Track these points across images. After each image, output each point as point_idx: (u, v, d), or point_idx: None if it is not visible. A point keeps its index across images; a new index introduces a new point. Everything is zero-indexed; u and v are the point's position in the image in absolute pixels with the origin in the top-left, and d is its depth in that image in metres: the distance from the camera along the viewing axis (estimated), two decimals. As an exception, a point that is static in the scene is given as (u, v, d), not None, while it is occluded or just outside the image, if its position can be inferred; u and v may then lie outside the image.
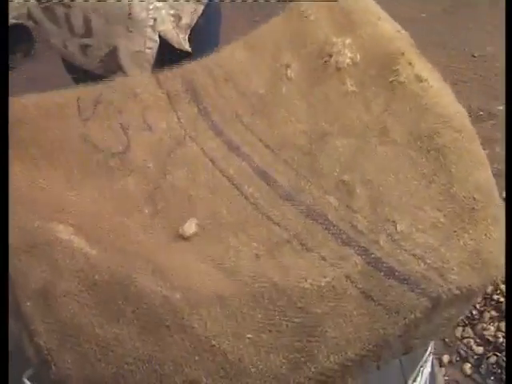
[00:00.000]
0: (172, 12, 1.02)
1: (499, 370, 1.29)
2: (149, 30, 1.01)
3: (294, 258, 0.67)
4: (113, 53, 1.02)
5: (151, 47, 1.01)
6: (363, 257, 0.65)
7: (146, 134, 0.80)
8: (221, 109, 0.84)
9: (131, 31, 0.99)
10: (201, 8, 1.08)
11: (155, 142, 0.79)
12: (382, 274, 0.63)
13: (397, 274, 0.63)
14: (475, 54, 2.34)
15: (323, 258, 0.66)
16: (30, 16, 1.02)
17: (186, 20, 1.06)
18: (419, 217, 0.69)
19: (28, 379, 0.64)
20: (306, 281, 0.63)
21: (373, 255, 0.65)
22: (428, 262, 0.64)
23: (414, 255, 0.65)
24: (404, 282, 0.62)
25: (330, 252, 0.67)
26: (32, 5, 1.00)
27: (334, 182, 0.74)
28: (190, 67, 0.88)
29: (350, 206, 0.71)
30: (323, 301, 0.61)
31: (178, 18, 1.03)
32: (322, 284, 0.62)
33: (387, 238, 0.67)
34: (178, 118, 0.83)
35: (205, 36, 1.10)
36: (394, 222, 0.68)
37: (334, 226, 0.70)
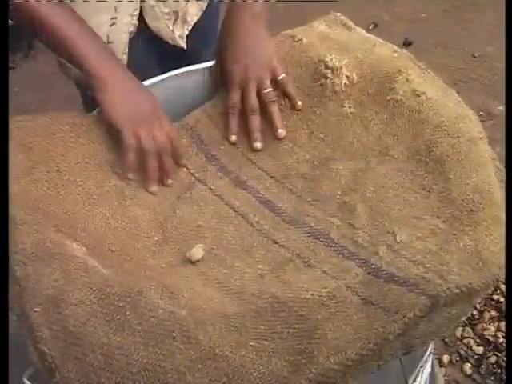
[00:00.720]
0: (166, 10, 1.01)
1: (499, 370, 1.29)
2: (127, 36, 1.00)
3: (297, 275, 0.69)
4: None
5: (126, 52, 1.01)
6: (364, 268, 0.67)
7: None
8: (227, 151, 0.88)
9: (111, 42, 0.98)
10: (204, 5, 1.08)
11: (166, 188, 0.84)
12: (382, 280, 0.65)
13: (396, 278, 0.64)
14: (475, 54, 2.34)
15: (325, 272, 0.68)
16: None
17: (187, 17, 1.05)
18: (418, 226, 0.70)
19: (28, 379, 0.64)
20: (307, 292, 0.64)
21: (373, 266, 0.67)
22: (427, 265, 0.65)
23: (413, 261, 0.66)
24: (403, 285, 0.63)
25: (331, 266, 0.69)
26: None
27: (337, 204, 0.77)
28: (193, 117, 0.91)
29: (351, 224, 0.73)
30: (323, 308, 0.62)
31: (174, 15, 1.03)
32: (323, 294, 0.64)
33: (387, 249, 0.68)
34: (188, 169, 0.87)
35: (205, 33, 1.10)
36: (393, 233, 0.70)
37: (335, 243, 0.72)
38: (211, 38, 1.12)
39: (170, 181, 0.84)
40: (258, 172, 0.85)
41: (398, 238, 0.69)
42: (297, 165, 0.85)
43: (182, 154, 0.87)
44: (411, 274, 0.64)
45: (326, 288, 0.65)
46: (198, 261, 0.74)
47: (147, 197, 0.82)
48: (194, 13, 1.06)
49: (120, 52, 0.99)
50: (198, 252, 0.74)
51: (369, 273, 0.66)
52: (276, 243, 0.75)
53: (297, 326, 0.61)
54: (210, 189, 0.84)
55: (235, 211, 0.80)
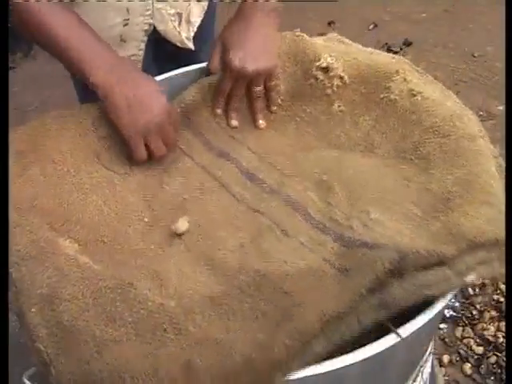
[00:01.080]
0: (172, 12, 1.01)
1: (499, 370, 1.29)
2: (142, 34, 1.00)
3: (275, 244, 0.72)
4: None
5: (143, 48, 1.01)
6: (339, 242, 0.70)
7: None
8: (214, 130, 0.91)
9: (125, 40, 0.99)
10: (206, 5, 1.08)
11: (154, 163, 0.85)
12: (356, 248, 0.67)
13: (369, 245, 0.67)
14: (475, 54, 2.34)
15: (302, 244, 0.71)
16: None
17: (191, 18, 1.05)
18: (393, 209, 0.73)
19: (28, 379, 0.64)
20: (286, 264, 0.68)
21: (347, 239, 0.70)
22: (398, 239, 0.67)
23: (384, 235, 0.68)
24: (374, 248, 0.66)
25: (308, 239, 0.72)
26: None
27: (315, 181, 0.80)
28: (189, 95, 0.91)
29: (328, 201, 0.76)
30: (302, 281, 0.65)
31: (179, 16, 1.03)
32: (302, 266, 0.67)
33: (360, 224, 0.71)
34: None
35: (202, 34, 1.10)
36: (368, 212, 0.72)
37: (312, 217, 0.75)
38: (208, 38, 1.12)
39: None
40: (240, 147, 0.88)
41: (372, 215, 0.72)
42: (280, 147, 0.88)
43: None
44: (382, 240, 0.66)
45: (303, 260, 0.68)
46: (184, 233, 0.76)
47: (136, 179, 0.83)
48: (197, 13, 1.07)
49: (135, 48, 1.00)
50: (183, 224, 0.76)
51: (344, 245, 0.69)
52: (256, 211, 0.78)
53: (279, 303, 0.63)
54: (194, 161, 0.87)
55: (218, 182, 0.83)
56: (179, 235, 0.76)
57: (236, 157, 0.86)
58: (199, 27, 1.08)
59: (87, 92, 0.85)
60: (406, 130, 0.81)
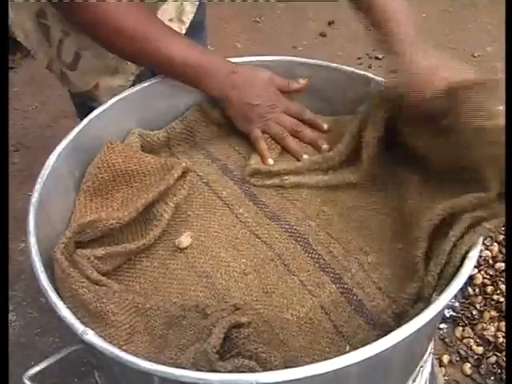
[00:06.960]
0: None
1: (499, 370, 1.29)
2: (134, 67, 1.01)
3: (277, 282, 0.73)
4: (90, 91, 1.02)
5: (131, 80, 1.02)
6: (337, 285, 0.72)
7: None
8: (215, 143, 0.93)
9: (118, 72, 1.00)
10: (197, 1, 1.09)
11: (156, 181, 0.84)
12: (353, 307, 0.70)
13: (365, 311, 0.69)
14: (475, 54, 2.34)
15: (302, 283, 0.73)
16: (22, 28, 1.03)
17: (182, 17, 1.06)
18: (386, 250, 0.76)
19: (28, 379, 0.64)
20: (287, 311, 0.69)
21: (346, 286, 0.72)
22: (392, 295, 0.70)
23: (379, 288, 0.71)
24: (370, 323, 0.68)
25: (308, 277, 0.73)
26: (26, 18, 0.99)
27: (316, 210, 0.82)
28: (191, 114, 0.93)
29: (328, 233, 0.79)
30: (301, 334, 0.67)
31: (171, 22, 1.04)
32: (301, 315, 0.69)
33: (359, 267, 0.74)
34: (178, 159, 0.90)
35: (194, 29, 1.10)
36: (365, 252, 0.76)
37: (313, 249, 0.77)
38: (199, 33, 1.12)
39: (324, 146, 0.89)
40: (243, 162, 0.89)
41: (368, 258, 0.75)
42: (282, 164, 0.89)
43: (319, 121, 0.91)
44: (378, 311, 0.68)
45: (303, 307, 0.69)
46: (186, 248, 0.77)
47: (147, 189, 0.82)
48: (189, 11, 1.07)
49: (124, 80, 1.01)
50: (186, 240, 0.77)
51: (341, 292, 0.71)
52: (258, 238, 0.79)
53: (275, 349, 0.63)
54: (199, 175, 0.88)
55: (222, 201, 0.84)
56: (182, 250, 0.77)
57: (240, 176, 0.88)
58: (190, 23, 1.07)
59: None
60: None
